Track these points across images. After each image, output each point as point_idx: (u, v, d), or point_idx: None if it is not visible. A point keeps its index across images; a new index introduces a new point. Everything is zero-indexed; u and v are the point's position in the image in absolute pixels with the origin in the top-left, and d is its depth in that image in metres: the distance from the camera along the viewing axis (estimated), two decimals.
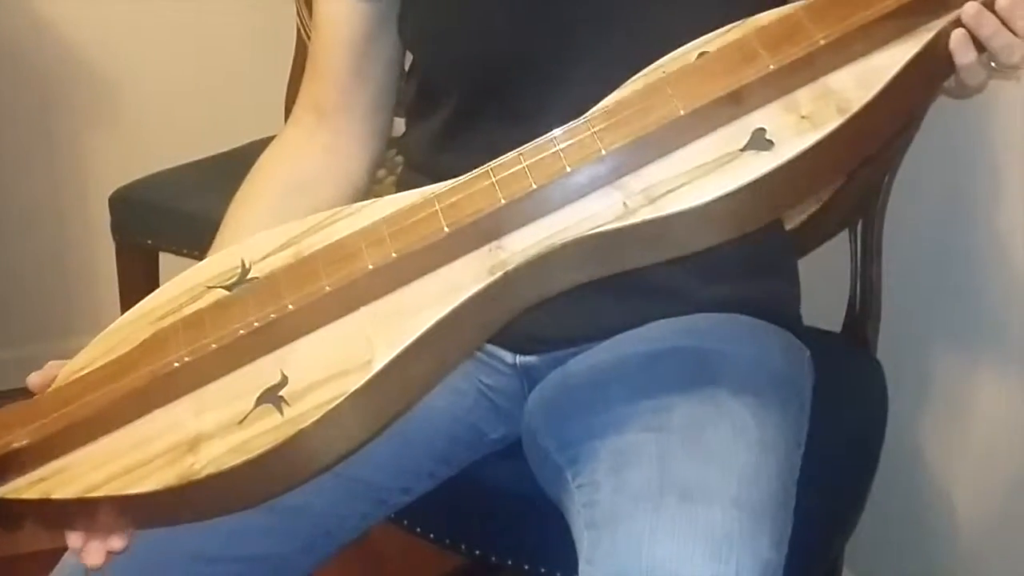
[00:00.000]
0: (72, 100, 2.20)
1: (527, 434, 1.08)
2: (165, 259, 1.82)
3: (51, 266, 2.29)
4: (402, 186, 1.22)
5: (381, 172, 1.68)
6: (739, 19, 0.95)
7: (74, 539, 0.89)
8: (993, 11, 0.84)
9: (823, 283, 1.35)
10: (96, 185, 2.08)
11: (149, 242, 1.81)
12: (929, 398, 1.50)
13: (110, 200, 1.84)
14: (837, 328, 1.44)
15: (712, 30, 0.93)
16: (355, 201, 1.12)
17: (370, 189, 1.63)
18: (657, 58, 0.93)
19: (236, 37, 2.19)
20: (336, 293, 0.87)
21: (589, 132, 0.86)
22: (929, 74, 0.87)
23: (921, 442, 1.52)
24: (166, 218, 1.79)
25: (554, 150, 0.86)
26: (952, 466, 1.49)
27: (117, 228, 1.84)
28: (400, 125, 1.23)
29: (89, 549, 0.89)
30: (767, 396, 1.00)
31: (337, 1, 1.11)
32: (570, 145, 0.86)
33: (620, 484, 0.93)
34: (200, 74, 2.20)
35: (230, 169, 1.17)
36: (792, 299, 1.18)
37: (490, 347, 1.13)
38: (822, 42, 0.84)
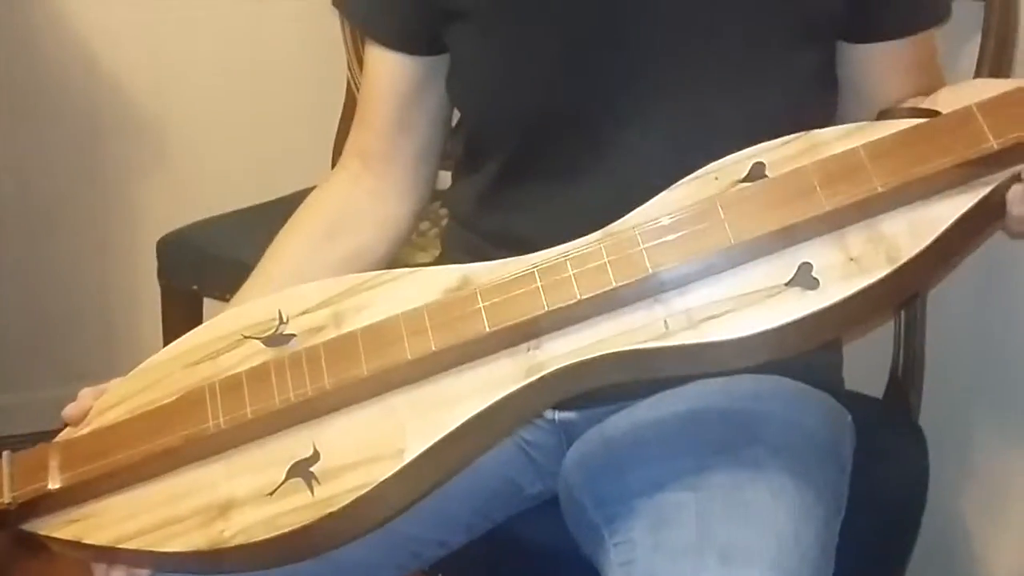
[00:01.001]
0: (122, 145, 2.23)
1: (564, 490, 1.08)
2: (209, 305, 1.84)
3: (96, 309, 2.31)
4: (447, 240, 1.23)
5: (425, 224, 1.70)
6: (779, 94, 0.96)
7: (100, 570, 0.93)
8: None
9: (866, 348, 1.35)
10: (144, 230, 2.11)
11: (194, 287, 1.83)
12: (971, 468, 1.49)
13: (158, 245, 1.86)
14: (879, 394, 1.43)
15: (754, 106, 0.94)
16: (396, 245, 1.16)
17: (414, 241, 1.65)
18: (701, 126, 0.94)
19: (286, 86, 2.22)
20: (374, 378, 0.88)
21: (638, 248, 0.87)
22: (980, 224, 0.87)
23: (962, 512, 1.50)
24: (212, 264, 1.81)
25: (601, 262, 0.87)
26: (992, 538, 1.47)
27: (163, 273, 1.86)
28: (446, 179, 1.24)
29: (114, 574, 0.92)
30: (807, 460, 1.00)
31: (386, 55, 1.13)
32: (618, 259, 0.87)
33: (658, 543, 0.92)
34: (249, 122, 2.23)
35: (277, 217, 1.18)
36: (835, 364, 1.18)
37: None
38: (880, 189, 0.84)
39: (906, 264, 0.83)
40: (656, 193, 0.90)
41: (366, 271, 0.99)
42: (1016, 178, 0.85)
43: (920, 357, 1.41)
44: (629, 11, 1.04)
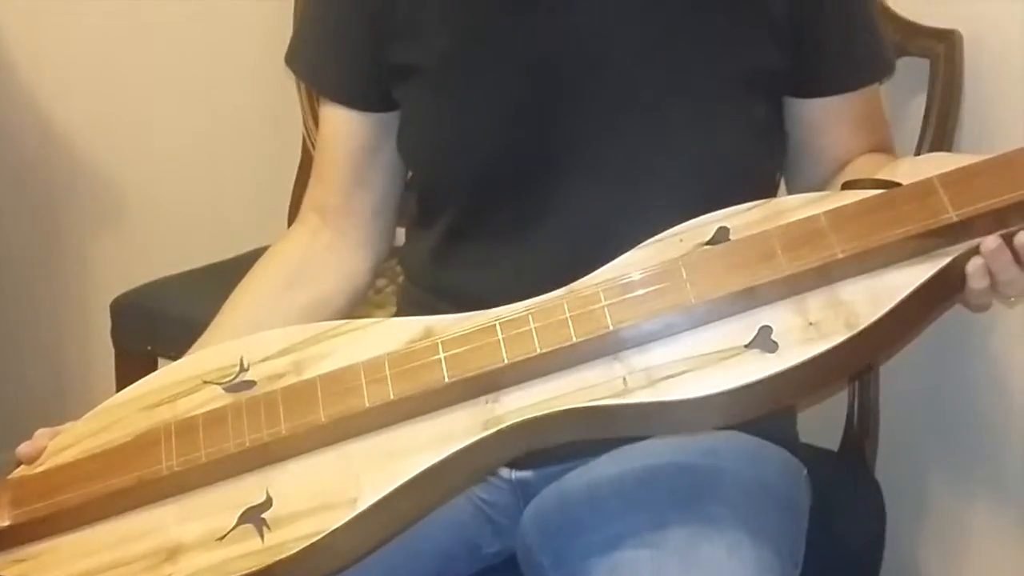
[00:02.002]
0: (76, 206, 2.21)
1: (523, 550, 1.07)
2: (164, 366, 1.82)
3: (49, 371, 2.28)
4: (402, 298, 1.23)
5: (382, 281, 1.69)
6: (723, 149, 0.97)
7: None
8: (1010, 246, 0.85)
9: (820, 401, 1.36)
10: (97, 291, 2.09)
11: (149, 348, 1.81)
12: (927, 519, 1.49)
13: (111, 306, 1.85)
14: (835, 446, 1.43)
15: (698, 161, 0.95)
16: (354, 299, 1.16)
17: (370, 298, 1.65)
18: (646, 182, 0.95)
19: (241, 144, 2.21)
20: (331, 425, 0.88)
21: (600, 304, 0.87)
22: (939, 296, 0.88)
23: (919, 564, 1.50)
24: (167, 325, 1.79)
25: (563, 316, 0.88)
26: None
27: (117, 334, 1.84)
28: (403, 235, 1.25)
29: None
30: (764, 514, 1.00)
31: (339, 112, 1.14)
32: (580, 314, 0.87)
33: None
34: (204, 181, 2.22)
35: (232, 277, 1.19)
36: (789, 417, 1.18)
37: None
38: (840, 255, 0.85)
39: (864, 330, 0.84)
40: (604, 250, 0.91)
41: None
42: (975, 251, 0.86)
43: (875, 409, 1.41)
44: (574, 70, 1.05)
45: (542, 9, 1.05)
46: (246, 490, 0.88)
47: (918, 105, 1.37)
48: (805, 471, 1.12)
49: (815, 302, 0.85)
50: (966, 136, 1.36)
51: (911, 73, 1.37)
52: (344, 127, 1.14)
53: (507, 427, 0.86)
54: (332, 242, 1.16)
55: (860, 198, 0.88)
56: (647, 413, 0.86)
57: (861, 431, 1.41)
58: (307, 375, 0.91)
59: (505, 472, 1.12)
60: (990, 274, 0.86)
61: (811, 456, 1.16)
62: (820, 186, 1.12)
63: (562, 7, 1.05)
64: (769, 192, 1.18)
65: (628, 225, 1.03)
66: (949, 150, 1.35)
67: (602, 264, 0.91)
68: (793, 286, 0.86)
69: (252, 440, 0.88)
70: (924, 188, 0.86)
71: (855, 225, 0.86)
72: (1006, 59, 1.32)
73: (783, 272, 0.85)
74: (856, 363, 0.89)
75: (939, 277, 0.86)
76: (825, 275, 0.85)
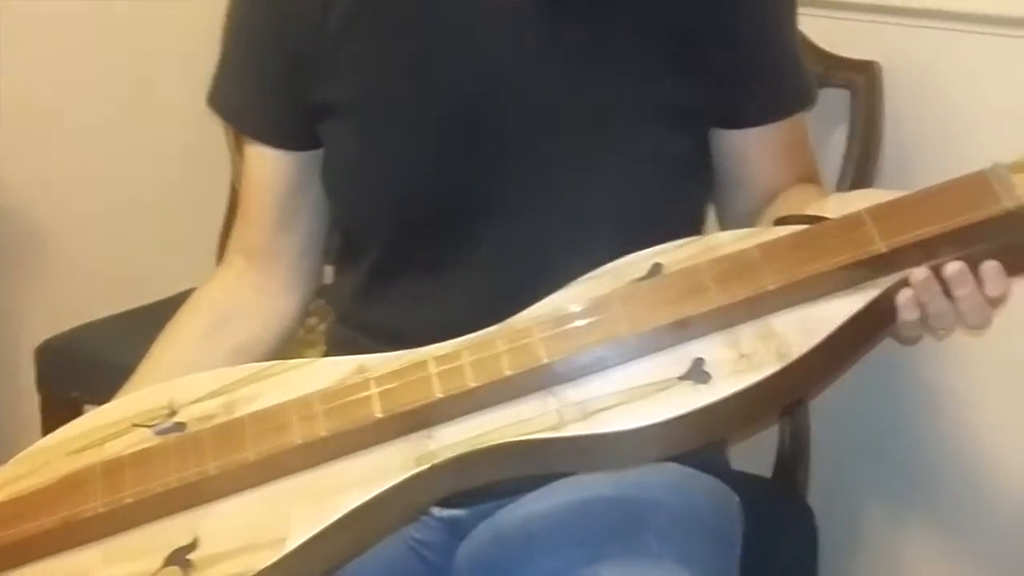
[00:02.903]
0: None
1: None
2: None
3: None
4: (331, 337, 1.23)
5: (313, 320, 1.68)
6: (647, 181, 0.97)
7: None
8: (939, 278, 0.86)
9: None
10: (21, 337, 2.06)
11: (75, 394, 1.79)
12: (860, 544, 1.50)
13: (36, 352, 1.82)
14: (768, 473, 1.44)
15: (623, 193, 0.96)
16: (283, 339, 1.16)
17: (302, 337, 1.63)
18: (571, 215, 0.95)
19: (168, 185, 2.20)
20: (260, 463, 0.87)
21: (534, 338, 0.87)
22: (870, 327, 0.88)
23: None
24: (93, 370, 1.77)
25: (497, 351, 0.87)
26: None
27: (42, 381, 1.82)
28: (331, 274, 1.24)
29: None
30: (696, 544, 1.00)
31: (263, 151, 1.14)
32: (514, 348, 0.87)
33: None
34: (130, 223, 2.20)
35: (160, 320, 1.17)
36: (720, 445, 1.19)
37: None
38: (771, 287, 0.86)
39: (796, 362, 0.84)
40: (530, 285, 0.91)
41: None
42: (906, 283, 0.87)
43: (806, 435, 1.43)
44: (494, 108, 1.05)
45: (461, 48, 1.06)
46: (173, 531, 0.86)
47: (840, 135, 1.39)
48: (737, 499, 1.13)
49: (747, 334, 0.86)
50: (888, 165, 1.38)
51: (833, 104, 1.39)
52: (268, 167, 1.14)
53: (440, 463, 0.86)
54: (259, 283, 1.15)
55: (791, 232, 0.89)
56: (581, 447, 0.86)
57: (793, 457, 1.42)
58: (238, 416, 0.90)
59: (436, 510, 1.11)
60: (920, 306, 0.87)
61: (744, 483, 1.16)
62: (750, 217, 1.14)
63: (481, 46, 1.06)
64: (698, 223, 1.19)
65: (554, 259, 1.04)
66: (871, 179, 1.37)
67: (531, 298, 0.91)
68: (725, 318, 0.86)
69: (179, 480, 0.87)
70: (853, 220, 0.87)
71: (786, 257, 0.87)
72: (925, 89, 1.35)
73: (715, 304, 0.86)
74: (788, 394, 0.90)
75: (870, 308, 0.86)
76: (757, 307, 0.86)
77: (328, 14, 1.07)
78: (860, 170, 1.37)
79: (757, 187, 1.13)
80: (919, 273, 0.86)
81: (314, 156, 1.13)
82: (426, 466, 0.86)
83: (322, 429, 0.87)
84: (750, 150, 1.12)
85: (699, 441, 0.88)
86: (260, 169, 1.15)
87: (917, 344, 0.96)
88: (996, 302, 0.88)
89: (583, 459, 0.88)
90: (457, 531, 1.10)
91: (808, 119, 1.29)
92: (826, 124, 1.41)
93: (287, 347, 1.21)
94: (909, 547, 1.45)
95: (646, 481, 1.04)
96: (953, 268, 0.86)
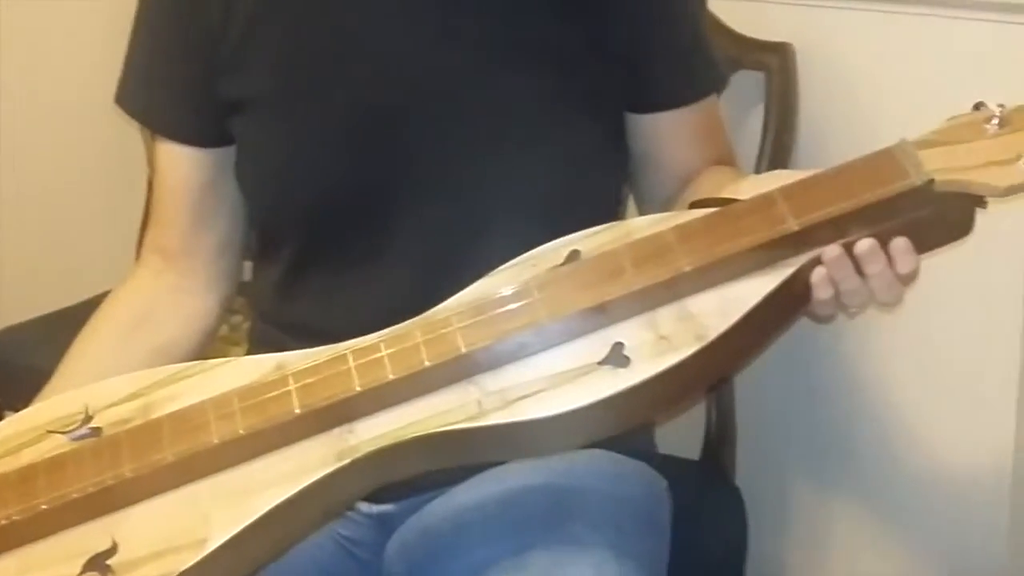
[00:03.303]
0: None
1: None
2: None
3: None
4: (251, 335, 1.21)
5: (237, 318, 1.67)
6: (564, 166, 0.97)
7: None
8: (851, 255, 0.87)
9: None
10: None
11: None
12: (788, 523, 1.52)
13: None
14: (695, 456, 1.45)
15: (539, 179, 0.96)
16: (204, 339, 1.15)
17: (227, 336, 1.62)
18: (487, 204, 0.95)
19: (83, 186, 2.16)
20: (178, 464, 0.86)
21: (452, 328, 0.87)
22: (786, 305, 0.89)
23: (782, 567, 1.53)
24: (12, 375, 1.74)
25: (415, 342, 0.87)
26: None
27: None
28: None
29: None
30: (626, 530, 1.00)
31: (175, 149, 1.12)
32: (432, 338, 0.87)
33: None
34: (46, 226, 2.16)
35: (79, 323, 1.16)
36: (647, 431, 1.19)
37: None
38: (687, 268, 0.86)
39: (714, 342, 0.85)
40: (450, 275, 0.91)
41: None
42: (818, 261, 0.87)
43: (732, 417, 1.44)
44: (405, 98, 1.05)
45: (370, 40, 1.05)
46: (91, 536, 0.85)
47: (756, 117, 1.40)
48: (665, 483, 1.13)
49: (666, 316, 0.86)
50: (803, 145, 1.40)
51: (747, 86, 1.40)
52: (181, 165, 1.13)
53: (362, 457, 0.85)
54: (177, 283, 1.14)
55: (705, 214, 0.89)
56: (503, 435, 0.86)
57: (720, 439, 1.43)
58: (155, 418, 0.89)
59: (365, 507, 1.11)
60: (833, 284, 0.88)
61: (671, 467, 1.17)
62: (667, 200, 1.14)
63: (389, 37, 1.05)
64: (615, 206, 1.19)
65: (473, 249, 1.04)
66: (788, 159, 1.38)
67: (448, 290, 0.91)
68: (643, 301, 0.86)
69: (95, 484, 0.86)
70: (765, 200, 0.88)
71: (700, 239, 0.87)
72: (838, 69, 1.36)
73: (632, 287, 0.86)
74: (709, 375, 0.90)
75: (785, 287, 0.87)
76: (674, 289, 0.87)
77: (232, 11, 1.06)
78: (776, 150, 1.38)
79: (672, 171, 1.14)
80: (831, 251, 0.87)
81: (227, 152, 1.12)
82: (347, 461, 0.85)
83: (240, 427, 0.86)
84: (663, 134, 1.12)
85: (623, 426, 0.88)
86: (172, 167, 1.13)
87: (833, 323, 0.98)
88: (907, 279, 0.89)
89: (506, 448, 0.88)
90: (386, 526, 1.10)
91: (724, 101, 1.29)
92: (742, 106, 1.42)
93: (212, 345, 1.20)
94: (836, 524, 1.47)
95: (574, 469, 1.04)
96: (864, 245, 0.87)
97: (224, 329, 1.63)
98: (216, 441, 0.86)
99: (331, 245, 1.08)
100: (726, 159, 1.17)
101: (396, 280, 1.06)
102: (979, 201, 0.88)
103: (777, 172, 0.99)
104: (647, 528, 1.04)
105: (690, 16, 1.13)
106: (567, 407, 0.84)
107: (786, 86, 1.38)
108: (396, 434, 0.85)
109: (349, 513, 1.11)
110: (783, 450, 1.51)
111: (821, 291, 0.88)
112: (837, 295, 0.89)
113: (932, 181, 0.86)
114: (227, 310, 1.21)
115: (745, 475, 1.43)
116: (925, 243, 0.89)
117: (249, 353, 1.20)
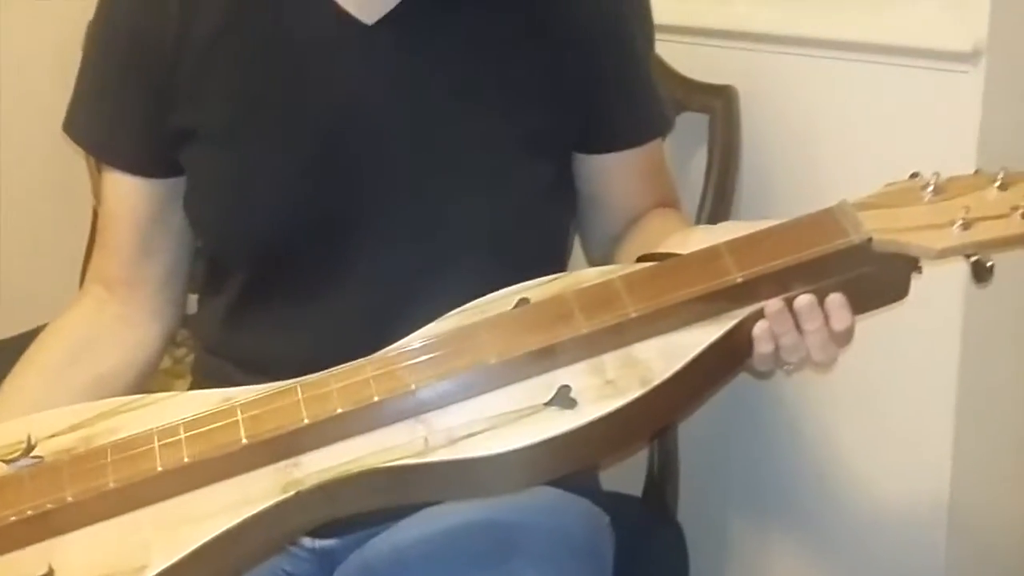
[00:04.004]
0: None
1: None
2: None
3: None
4: (195, 368, 1.21)
5: (181, 351, 1.66)
6: (513, 204, 0.99)
7: None
8: (791, 310, 0.90)
9: None
10: None
11: None
12: (729, 559, 1.53)
13: None
14: (638, 492, 1.46)
15: (487, 218, 0.97)
16: (146, 370, 1.14)
17: (171, 369, 1.60)
18: (437, 240, 0.95)
19: (27, 215, 2.14)
20: (120, 490, 0.85)
21: (402, 365, 0.88)
22: (728, 356, 0.91)
23: None
24: None
25: (365, 376, 0.87)
26: None
27: None
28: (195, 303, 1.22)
29: None
30: (568, 567, 1.01)
31: (122, 179, 1.12)
32: (382, 374, 0.87)
33: None
34: None
35: (19, 354, 1.14)
36: (591, 467, 1.20)
37: None
38: (633, 315, 0.88)
39: (658, 387, 0.87)
40: (401, 311, 0.92)
41: (114, 397, 0.96)
42: (761, 314, 0.90)
43: (674, 453, 1.45)
44: (360, 133, 1.06)
45: (326, 76, 1.06)
46: (27, 562, 0.84)
47: (700, 159, 1.42)
48: (608, 519, 1.14)
49: (612, 361, 0.88)
50: (746, 186, 1.42)
51: (692, 128, 1.42)
52: (128, 195, 1.12)
53: (307, 490, 0.85)
54: (120, 313, 1.14)
55: (653, 266, 0.91)
56: (448, 473, 0.86)
57: (662, 476, 1.44)
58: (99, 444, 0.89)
59: (308, 541, 1.10)
60: (774, 338, 0.90)
61: (614, 503, 1.18)
62: (613, 240, 1.16)
63: (348, 71, 1.06)
64: (563, 246, 1.21)
65: (424, 285, 1.04)
66: (730, 200, 1.40)
67: (398, 325, 0.91)
68: (590, 346, 0.88)
69: (34, 508, 0.85)
70: (711, 253, 0.90)
71: (647, 287, 0.89)
72: (780, 113, 1.39)
73: (580, 331, 0.88)
74: (653, 420, 0.92)
75: (727, 337, 0.89)
76: (620, 335, 0.88)
77: (186, 42, 1.07)
78: (719, 191, 1.40)
79: (618, 210, 1.15)
80: (773, 304, 0.89)
81: (174, 183, 1.11)
82: (292, 493, 0.85)
83: (186, 455, 0.86)
84: (610, 175, 1.14)
85: (568, 468, 0.89)
86: (118, 197, 1.13)
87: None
88: (841, 338, 0.91)
89: (450, 486, 0.89)
90: (328, 562, 1.10)
91: (668, 142, 1.31)
92: (686, 147, 1.44)
93: (155, 378, 1.19)
94: (776, 559, 1.48)
95: (517, 505, 1.05)
96: (803, 300, 0.89)
97: (167, 362, 1.62)
98: (160, 469, 0.85)
99: (281, 278, 1.08)
100: (670, 200, 1.19)
101: (346, 314, 1.06)
102: (915, 265, 0.91)
103: (725, 224, 1.01)
104: (589, 564, 1.05)
105: (640, 58, 1.15)
106: (511, 446, 0.85)
107: (729, 128, 1.40)
108: (342, 468, 0.86)
109: (292, 548, 1.11)
110: (724, 487, 1.52)
111: (762, 345, 0.90)
112: (777, 350, 0.91)
113: (871, 240, 0.89)
114: (171, 342, 1.20)
115: (687, 511, 1.44)
116: (861, 303, 0.92)
117: (193, 386, 1.20)
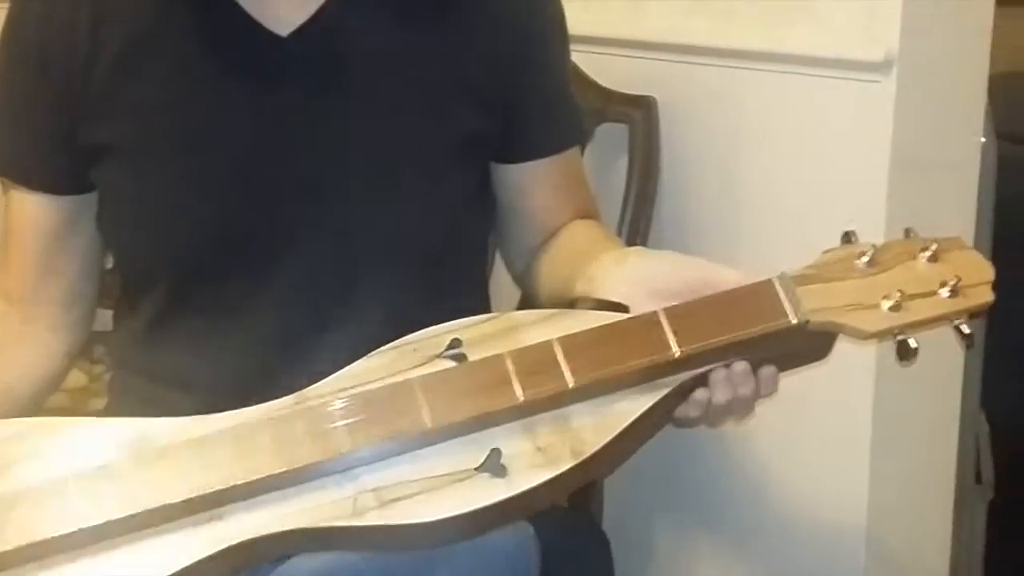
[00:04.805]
0: None
1: None
2: None
3: None
4: (112, 386, 1.19)
5: (99, 368, 1.63)
6: (434, 215, 0.98)
7: None
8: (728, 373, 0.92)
9: None
10: None
11: None
12: (654, 566, 1.54)
13: None
14: (562, 501, 1.46)
15: (409, 228, 0.96)
16: (47, 387, 1.13)
17: (87, 387, 1.57)
18: (358, 251, 0.94)
19: None
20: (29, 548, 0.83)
21: (337, 424, 0.86)
22: (659, 418, 0.93)
23: None
24: None
25: (299, 434, 0.86)
26: None
27: None
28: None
29: None
30: None
31: (28, 196, 1.10)
32: (316, 433, 0.86)
33: None
34: None
35: None
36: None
37: None
38: (571, 385, 0.88)
39: (589, 457, 0.88)
40: (319, 327, 0.90)
41: (9, 414, 0.95)
42: (695, 381, 0.92)
43: None
44: (276, 143, 1.05)
45: (241, 86, 1.05)
46: None
47: (621, 168, 1.43)
48: (532, 530, 1.13)
49: (544, 427, 0.88)
50: (666, 195, 1.43)
51: (612, 138, 1.43)
52: (33, 212, 1.10)
53: (230, 547, 0.84)
54: (20, 330, 1.12)
55: (591, 326, 0.91)
56: (375, 535, 0.86)
57: (587, 485, 1.44)
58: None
59: None
60: (708, 403, 0.93)
61: (538, 513, 1.17)
62: (532, 251, 1.16)
63: (262, 84, 1.05)
64: (484, 258, 1.21)
65: (343, 299, 1.03)
66: (651, 209, 1.41)
67: (318, 340, 0.90)
68: (525, 412, 0.88)
69: None
70: (650, 322, 0.91)
71: (586, 356, 0.89)
72: (699, 122, 1.40)
73: (517, 400, 0.88)
74: (582, 481, 0.93)
75: (661, 404, 0.91)
76: (556, 402, 0.89)
77: (97, 56, 1.05)
78: (640, 200, 1.41)
79: (536, 222, 1.15)
80: (718, 374, 0.92)
81: (82, 201, 1.10)
82: (215, 550, 0.84)
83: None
84: (527, 184, 1.14)
85: (494, 527, 0.90)
86: (23, 213, 1.11)
87: None
88: (765, 399, 0.95)
89: (376, 544, 0.88)
90: None
91: (589, 152, 1.32)
92: (606, 157, 1.45)
93: (72, 396, 1.17)
94: (700, 566, 1.49)
95: None
96: (740, 368, 0.92)
97: (84, 380, 1.60)
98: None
99: (199, 294, 1.07)
100: (589, 211, 1.19)
101: (265, 330, 1.05)
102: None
103: (662, 254, 1.02)
104: (512, 573, 1.04)
105: (556, 68, 1.15)
106: (440, 515, 0.85)
107: (649, 138, 1.41)
108: (268, 525, 0.85)
109: None
110: (649, 494, 1.53)
111: (693, 409, 0.93)
112: (707, 411, 0.93)
113: (808, 322, 0.91)
114: (84, 359, 1.18)
115: (611, 519, 1.45)
116: (788, 366, 0.95)
117: (110, 404, 1.17)
